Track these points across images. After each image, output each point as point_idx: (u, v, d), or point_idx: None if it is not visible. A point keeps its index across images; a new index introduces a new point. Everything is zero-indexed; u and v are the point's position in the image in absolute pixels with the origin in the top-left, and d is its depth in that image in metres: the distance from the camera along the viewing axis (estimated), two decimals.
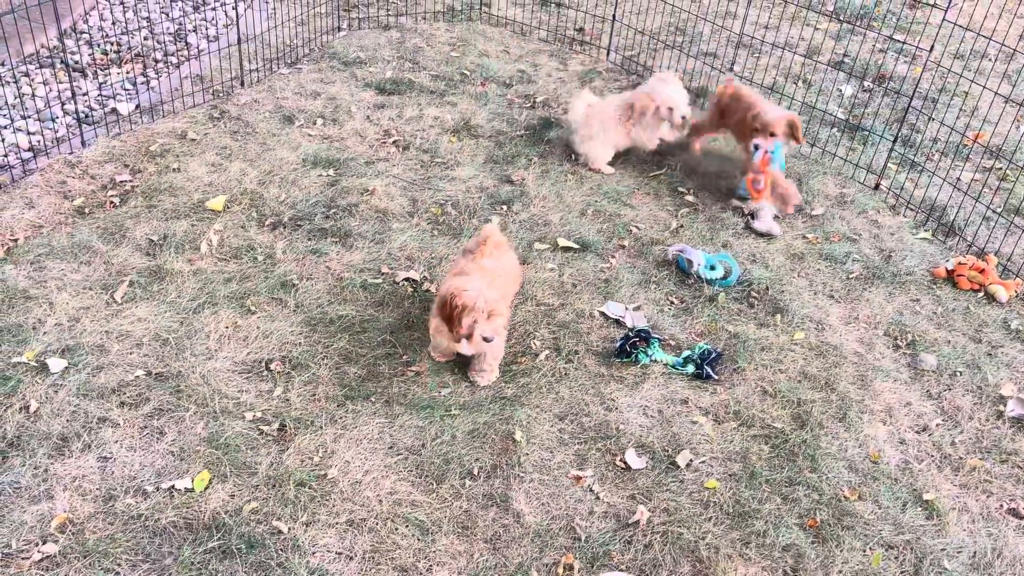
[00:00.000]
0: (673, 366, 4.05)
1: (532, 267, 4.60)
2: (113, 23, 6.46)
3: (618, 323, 4.30)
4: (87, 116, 5.45)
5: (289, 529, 3.18)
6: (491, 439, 3.61)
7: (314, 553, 3.12)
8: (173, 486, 3.29)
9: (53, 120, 5.36)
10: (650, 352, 4.05)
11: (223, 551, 3.09)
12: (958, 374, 4.18)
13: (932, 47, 5.39)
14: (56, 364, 3.72)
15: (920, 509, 3.51)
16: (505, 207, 5.05)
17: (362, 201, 4.95)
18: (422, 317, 4.18)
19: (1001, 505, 3.57)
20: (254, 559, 3.07)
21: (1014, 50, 5.50)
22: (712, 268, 4.60)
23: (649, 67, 6.60)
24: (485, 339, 3.62)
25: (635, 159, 5.61)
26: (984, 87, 5.36)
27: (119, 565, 3.02)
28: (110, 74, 5.90)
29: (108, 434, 3.45)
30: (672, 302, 4.48)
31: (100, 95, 5.67)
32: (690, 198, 5.29)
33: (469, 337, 3.61)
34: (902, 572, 3.27)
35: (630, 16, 7.09)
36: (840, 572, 3.24)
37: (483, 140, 5.67)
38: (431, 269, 4.52)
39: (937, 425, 3.90)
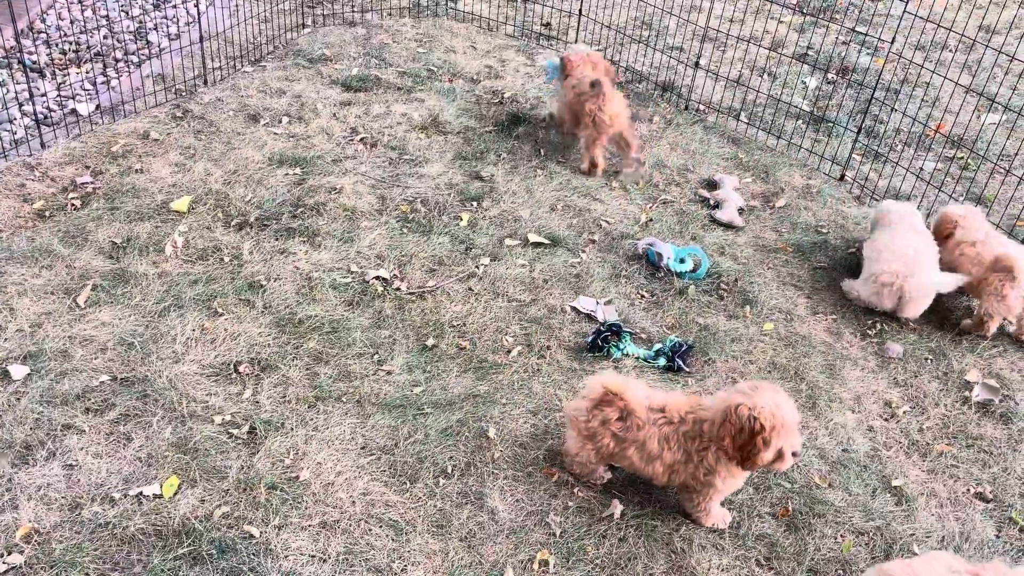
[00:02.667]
0: (645, 359, 4.06)
1: (503, 263, 4.59)
2: (72, 22, 6.33)
3: (589, 318, 4.30)
4: (46, 117, 5.34)
5: (261, 533, 3.15)
6: (464, 437, 3.59)
7: (287, 557, 3.09)
8: (141, 492, 3.23)
9: (11, 122, 5.24)
10: (622, 346, 4.06)
11: (193, 558, 3.04)
12: (925, 361, 4.24)
13: (893, 38, 5.46)
14: (18, 371, 3.64)
15: (889, 495, 3.56)
16: (475, 204, 5.03)
17: (330, 200, 4.90)
18: (394, 315, 4.15)
19: (968, 489, 3.63)
20: (226, 565, 3.03)
21: (974, 40, 5.59)
22: (682, 261, 4.62)
23: (616, 61, 6.60)
24: (794, 454, 3.10)
25: (609, 154, 5.61)
26: (945, 77, 5.44)
27: (87, 574, 2.96)
28: (69, 74, 5.79)
29: (73, 441, 3.39)
30: (643, 296, 4.49)
31: (59, 96, 5.55)
32: (660, 193, 5.31)
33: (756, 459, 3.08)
34: (873, 558, 3.31)
35: (596, 11, 7.10)
36: (812, 560, 3.27)
37: (451, 136, 5.64)
38: (401, 267, 4.49)
39: (905, 412, 3.96)
